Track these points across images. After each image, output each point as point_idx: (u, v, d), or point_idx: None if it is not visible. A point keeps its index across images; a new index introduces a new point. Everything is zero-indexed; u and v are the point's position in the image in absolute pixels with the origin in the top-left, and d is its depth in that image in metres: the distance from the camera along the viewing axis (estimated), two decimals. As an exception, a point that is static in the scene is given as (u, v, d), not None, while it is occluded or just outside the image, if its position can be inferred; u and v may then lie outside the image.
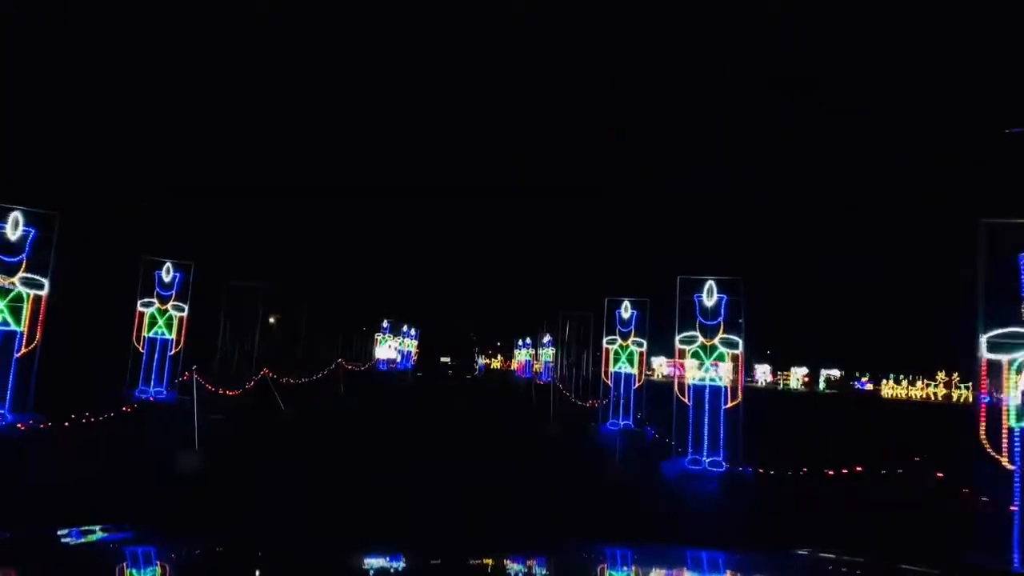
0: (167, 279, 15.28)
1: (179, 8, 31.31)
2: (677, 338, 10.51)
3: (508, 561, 2.60)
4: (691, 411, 10.21)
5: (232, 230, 27.81)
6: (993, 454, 6.06)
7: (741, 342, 10.25)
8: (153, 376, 15.15)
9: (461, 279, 47.85)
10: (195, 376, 9.31)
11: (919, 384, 61.27)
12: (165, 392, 15.01)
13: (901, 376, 62.42)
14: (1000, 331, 6.05)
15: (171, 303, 15.31)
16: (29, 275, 10.29)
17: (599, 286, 17.73)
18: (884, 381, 63.34)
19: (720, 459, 9.99)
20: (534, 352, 37.41)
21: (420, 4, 37.26)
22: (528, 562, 2.64)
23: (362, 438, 12.88)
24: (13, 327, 10.17)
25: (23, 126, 21.52)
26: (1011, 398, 6.01)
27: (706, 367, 10.20)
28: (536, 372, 33.02)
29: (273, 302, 26.86)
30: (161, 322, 15.29)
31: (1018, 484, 6.00)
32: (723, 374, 10.21)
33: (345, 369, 23.55)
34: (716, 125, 36.45)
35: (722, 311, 10.33)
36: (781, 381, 65.47)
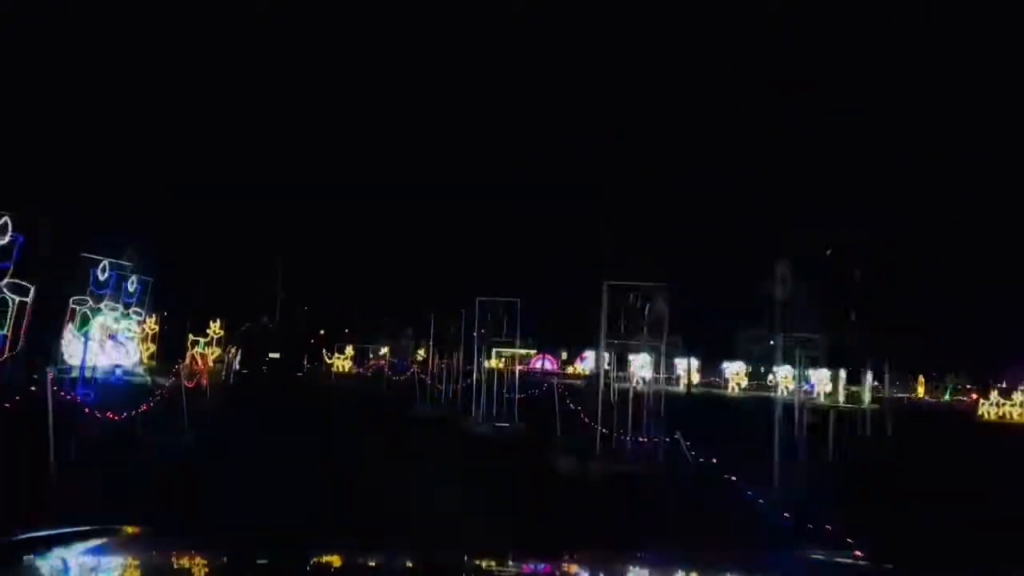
0: None
1: (179, 7, 31.24)
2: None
3: None
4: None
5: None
6: None
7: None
8: None
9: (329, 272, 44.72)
10: None
11: (1016, 397, 39.39)
12: None
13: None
14: None
15: None
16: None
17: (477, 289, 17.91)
18: (975, 397, 44.24)
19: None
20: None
21: (420, 4, 37.21)
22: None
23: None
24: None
25: (21, 127, 21.52)
26: None
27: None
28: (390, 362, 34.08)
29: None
30: None
31: None
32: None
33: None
34: (715, 125, 36.35)
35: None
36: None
